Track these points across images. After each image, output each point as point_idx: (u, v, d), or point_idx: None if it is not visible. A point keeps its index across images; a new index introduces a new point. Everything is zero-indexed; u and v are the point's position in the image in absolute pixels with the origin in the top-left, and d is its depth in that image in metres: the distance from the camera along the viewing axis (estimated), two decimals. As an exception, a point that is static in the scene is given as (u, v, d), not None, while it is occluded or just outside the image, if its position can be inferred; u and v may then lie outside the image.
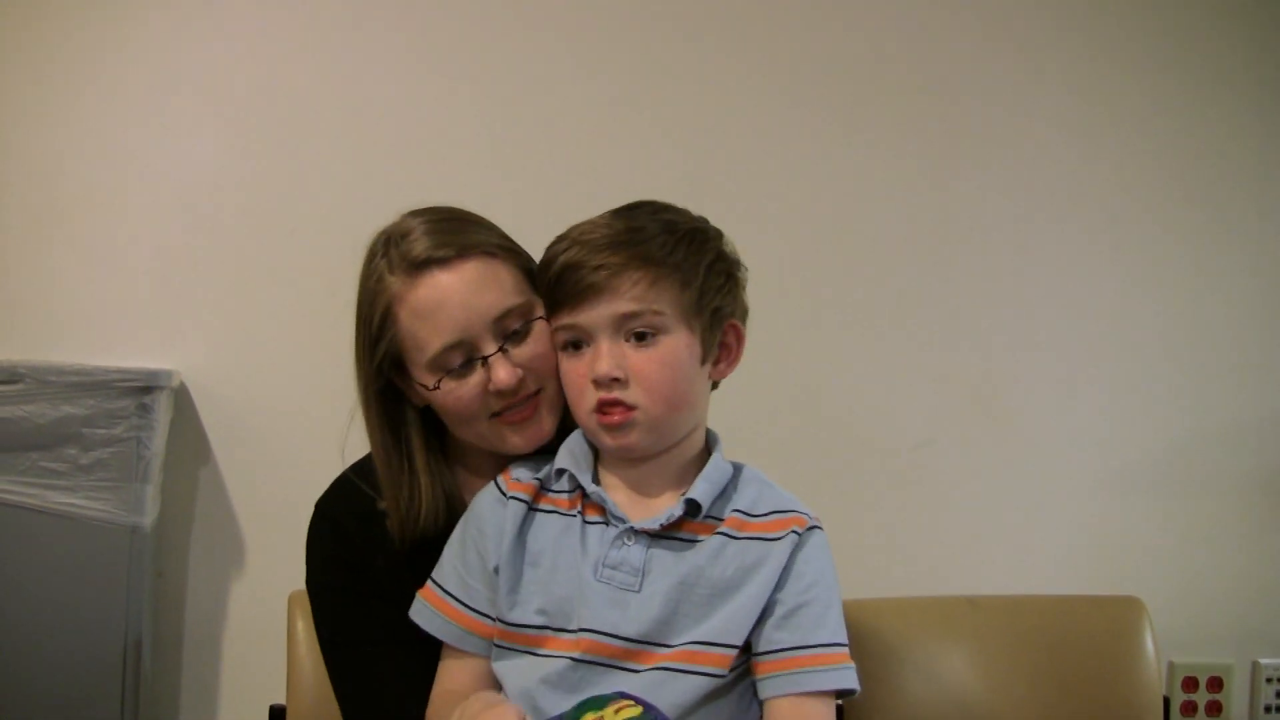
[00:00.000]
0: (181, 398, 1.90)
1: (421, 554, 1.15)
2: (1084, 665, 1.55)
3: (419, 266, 1.12)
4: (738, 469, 1.10)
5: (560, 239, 1.07)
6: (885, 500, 2.05)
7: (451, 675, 1.09)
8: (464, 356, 1.12)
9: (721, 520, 1.05)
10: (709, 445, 1.11)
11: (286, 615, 1.48)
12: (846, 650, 1.02)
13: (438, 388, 1.13)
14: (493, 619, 1.08)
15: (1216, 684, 2.10)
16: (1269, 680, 2.11)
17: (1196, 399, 2.11)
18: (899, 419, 2.07)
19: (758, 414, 1.95)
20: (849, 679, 1.00)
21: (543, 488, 1.10)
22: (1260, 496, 2.11)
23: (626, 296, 1.01)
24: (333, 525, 1.21)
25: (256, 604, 1.92)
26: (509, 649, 1.06)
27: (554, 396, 1.14)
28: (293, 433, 1.93)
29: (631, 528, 1.03)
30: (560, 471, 1.09)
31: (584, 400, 1.05)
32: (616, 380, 1.02)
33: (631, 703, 0.92)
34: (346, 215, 1.94)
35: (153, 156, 1.93)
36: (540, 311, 1.13)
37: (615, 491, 1.07)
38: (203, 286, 1.93)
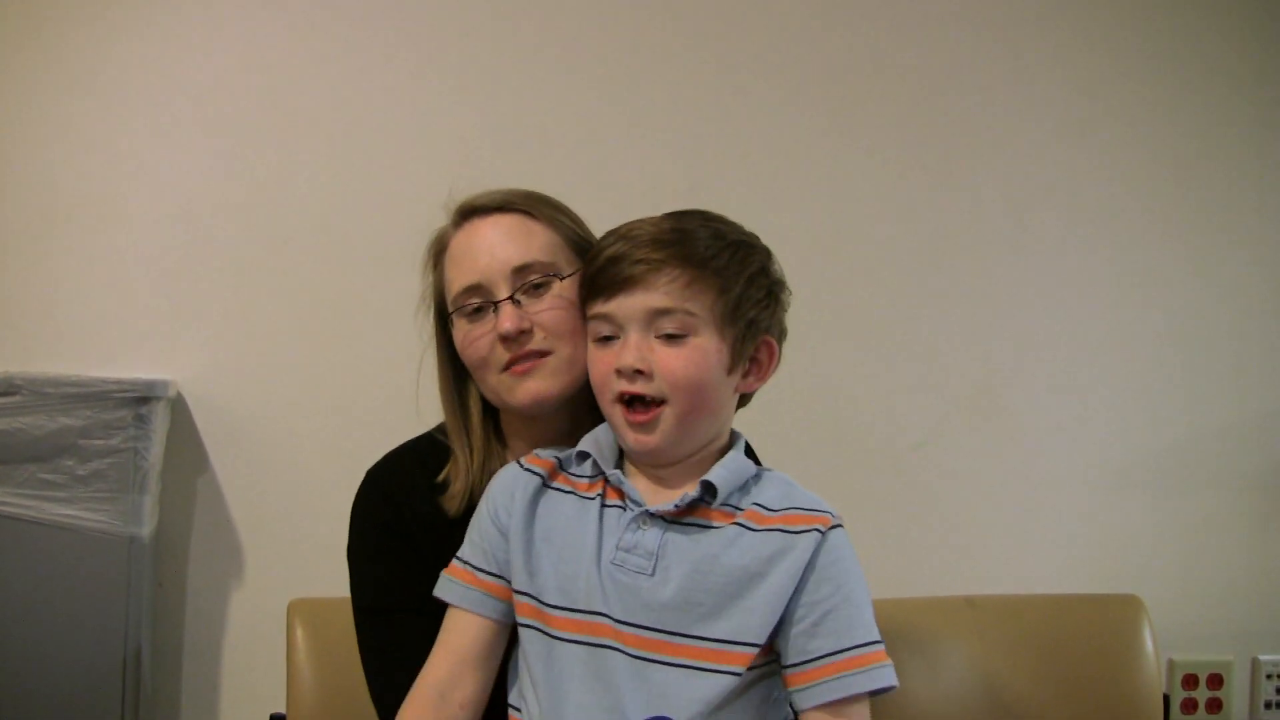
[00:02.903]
0: (178, 408, 1.90)
1: (465, 530, 1.15)
2: (1084, 664, 1.55)
3: (465, 215, 1.20)
4: (762, 470, 1.10)
5: (609, 234, 1.09)
6: (883, 500, 2.05)
7: (461, 631, 1.08)
8: (480, 301, 1.16)
9: (740, 511, 1.05)
10: (731, 443, 1.11)
11: (286, 623, 1.47)
12: (883, 647, 1.00)
13: (455, 327, 1.18)
14: (509, 583, 1.08)
15: (1216, 681, 2.10)
16: (1269, 676, 2.11)
17: (1194, 396, 2.11)
18: (896, 418, 2.07)
19: (755, 413, 1.94)
20: (888, 676, 0.99)
21: (560, 468, 1.12)
22: (1258, 493, 2.12)
23: (661, 292, 1.02)
24: (383, 493, 1.22)
25: (256, 613, 1.92)
26: (522, 622, 1.06)
27: (563, 362, 1.15)
28: (290, 441, 1.93)
29: (648, 511, 1.04)
30: (582, 456, 1.09)
31: (607, 390, 1.05)
32: (640, 373, 1.02)
33: None
34: (342, 225, 1.96)
35: (149, 166, 1.93)
36: (566, 274, 1.16)
37: (635, 479, 1.08)
38: (199, 296, 1.93)
